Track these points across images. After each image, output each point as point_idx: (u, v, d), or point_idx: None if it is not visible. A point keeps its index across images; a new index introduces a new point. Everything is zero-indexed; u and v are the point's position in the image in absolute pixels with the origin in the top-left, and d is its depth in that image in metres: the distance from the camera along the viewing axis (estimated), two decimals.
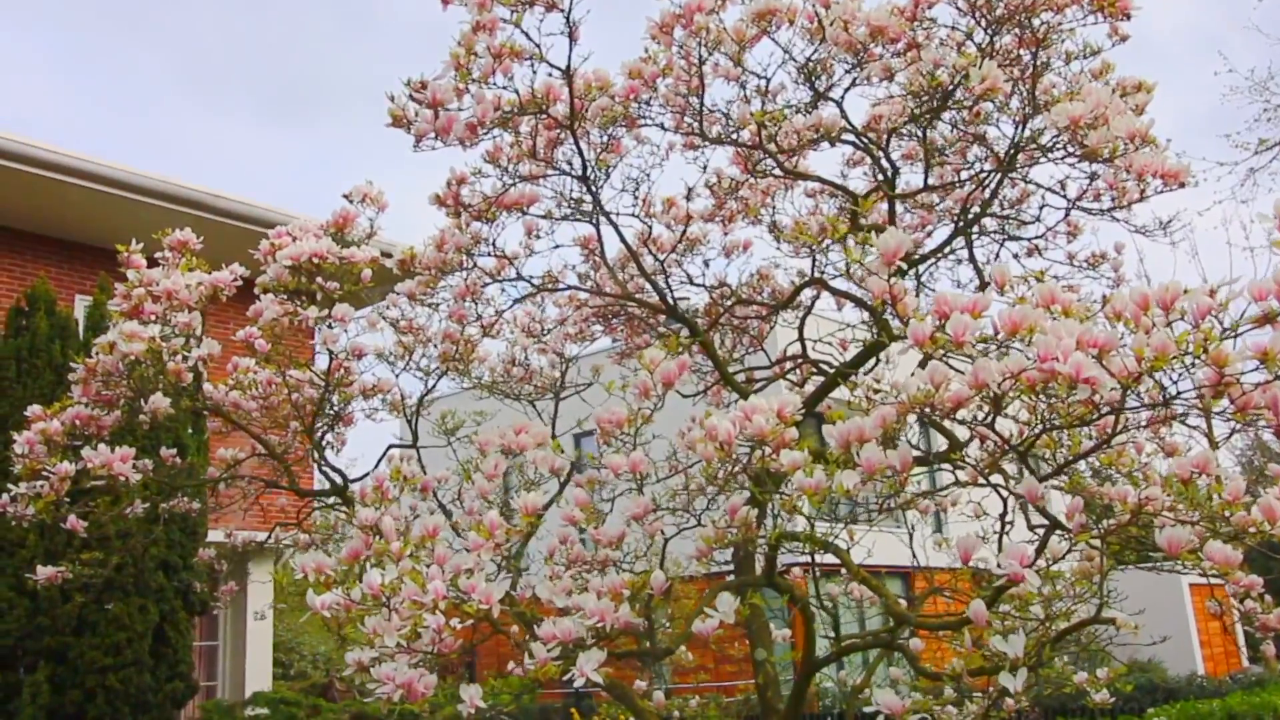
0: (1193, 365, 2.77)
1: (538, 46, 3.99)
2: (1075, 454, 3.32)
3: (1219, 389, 2.78)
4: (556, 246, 4.91)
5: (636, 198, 4.70)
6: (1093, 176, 4.62)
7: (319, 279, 5.36)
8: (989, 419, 3.10)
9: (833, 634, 5.18)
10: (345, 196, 5.35)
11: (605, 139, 4.46)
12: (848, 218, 4.87)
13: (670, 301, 4.81)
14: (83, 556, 5.05)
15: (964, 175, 5.62)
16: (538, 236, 4.76)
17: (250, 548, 6.12)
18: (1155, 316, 2.99)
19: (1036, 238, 6.01)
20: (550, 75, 4.05)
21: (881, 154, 4.90)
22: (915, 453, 3.33)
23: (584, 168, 4.39)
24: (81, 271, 10.18)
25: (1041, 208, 5.31)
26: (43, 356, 7.78)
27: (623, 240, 4.68)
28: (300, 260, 5.07)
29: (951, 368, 3.11)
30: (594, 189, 4.51)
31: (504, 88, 3.89)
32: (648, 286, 5.37)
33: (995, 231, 6.20)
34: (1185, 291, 3.03)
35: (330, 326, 4.91)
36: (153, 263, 5.40)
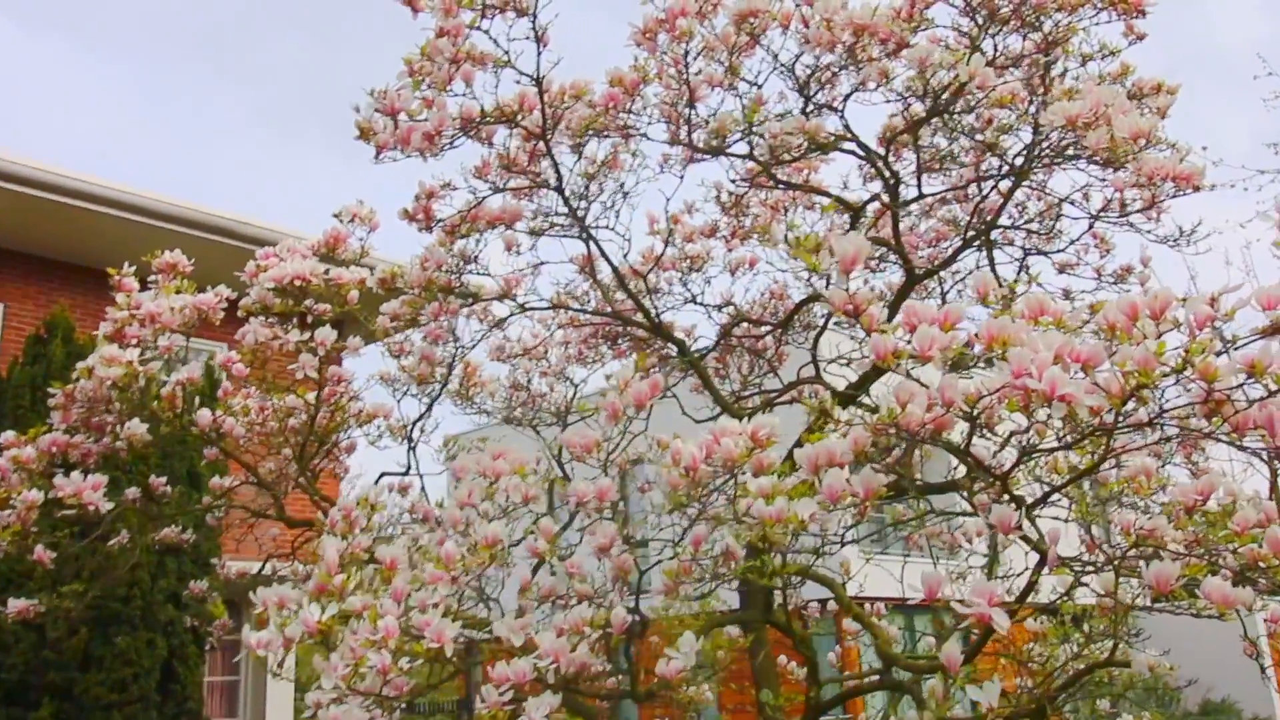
0: (1181, 380, 2.48)
1: (505, 53, 3.81)
2: (1060, 479, 3.03)
3: (1212, 407, 2.49)
4: (540, 264, 4.72)
5: (617, 214, 4.48)
6: (1113, 186, 4.32)
7: (309, 301, 5.24)
8: (966, 442, 2.83)
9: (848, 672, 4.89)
10: (335, 215, 5.21)
11: (581, 150, 4.24)
12: (844, 230, 4.61)
13: (656, 320, 4.58)
14: (61, 590, 4.92)
15: (977, 185, 5.35)
16: (517, 253, 4.57)
17: (246, 579, 5.97)
18: (1146, 327, 2.70)
19: (1057, 251, 5.70)
20: (519, 83, 3.87)
21: (883, 164, 4.64)
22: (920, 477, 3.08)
23: (559, 180, 4.19)
24: (106, 299, 10.18)
25: (1058, 217, 5.01)
26: (57, 384, 7.73)
27: (604, 257, 4.47)
28: (283, 282, 4.93)
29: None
30: (572, 204, 4.31)
31: (463, 95, 3.70)
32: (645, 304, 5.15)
33: (1019, 245, 5.91)
34: (1182, 300, 2.75)
35: (314, 351, 4.74)
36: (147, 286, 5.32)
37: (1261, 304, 2.79)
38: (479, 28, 3.77)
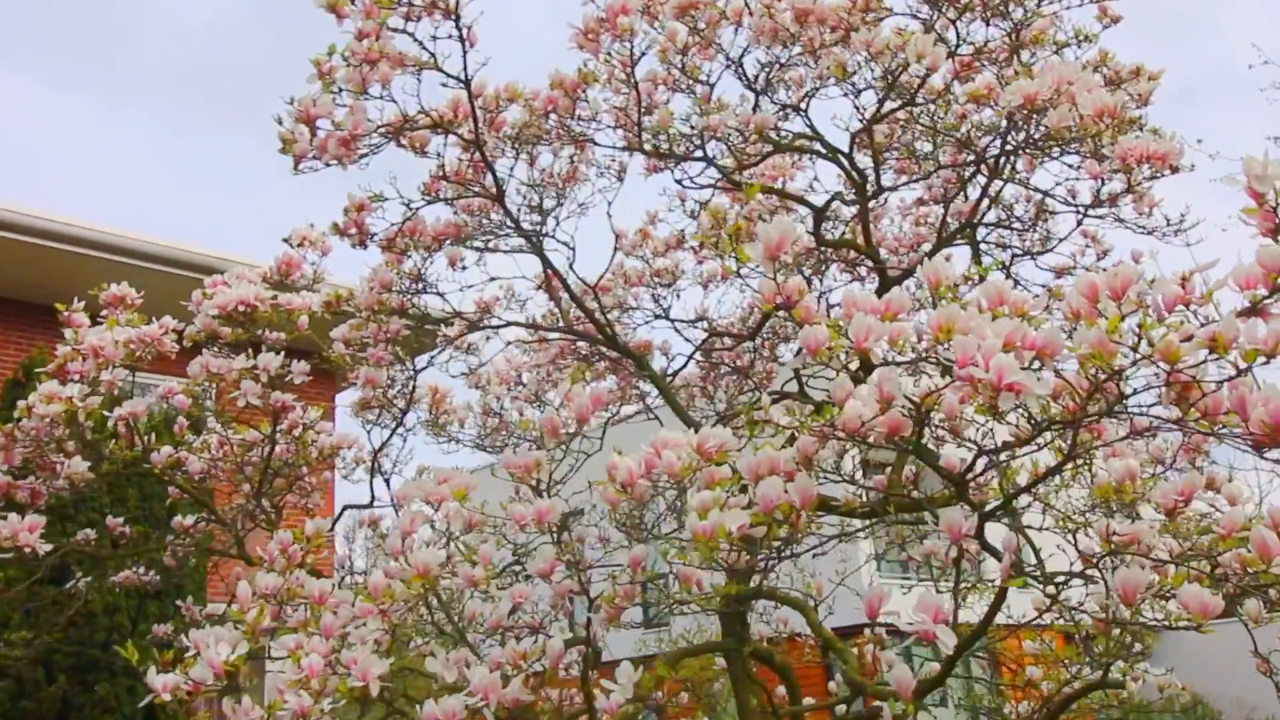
0: (1139, 362, 2.21)
1: (431, 55, 3.60)
2: (1009, 484, 2.76)
3: (1178, 391, 2.23)
4: (491, 279, 4.49)
5: (570, 225, 4.23)
6: (1090, 174, 4.06)
7: (265, 330, 5.04)
8: (912, 441, 2.57)
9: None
10: (285, 240, 5.01)
11: (533, 158, 4.02)
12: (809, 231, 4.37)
13: (610, 334, 4.33)
14: (9, 637, 4.70)
15: (958, 183, 5.10)
16: (463, 268, 4.34)
17: (213, 620, 5.72)
18: (1107, 309, 2.44)
19: (1046, 251, 5.44)
20: (445, 85, 3.66)
21: (849, 162, 4.40)
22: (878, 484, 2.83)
23: (500, 191, 3.97)
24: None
25: (1039, 214, 4.75)
26: None
27: (554, 272, 4.22)
28: (227, 309, 4.73)
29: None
30: (517, 215, 4.08)
31: (382, 98, 3.49)
32: (618, 320, 4.91)
33: (1009, 247, 5.66)
34: (1151, 282, 2.49)
35: (256, 379, 4.52)
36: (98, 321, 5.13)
37: (1239, 283, 2.53)
38: (403, 30, 3.56)
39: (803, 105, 4.41)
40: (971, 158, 4.64)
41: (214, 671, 2.91)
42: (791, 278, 2.65)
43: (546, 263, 4.21)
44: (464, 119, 3.77)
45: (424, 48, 3.59)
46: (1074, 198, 5.15)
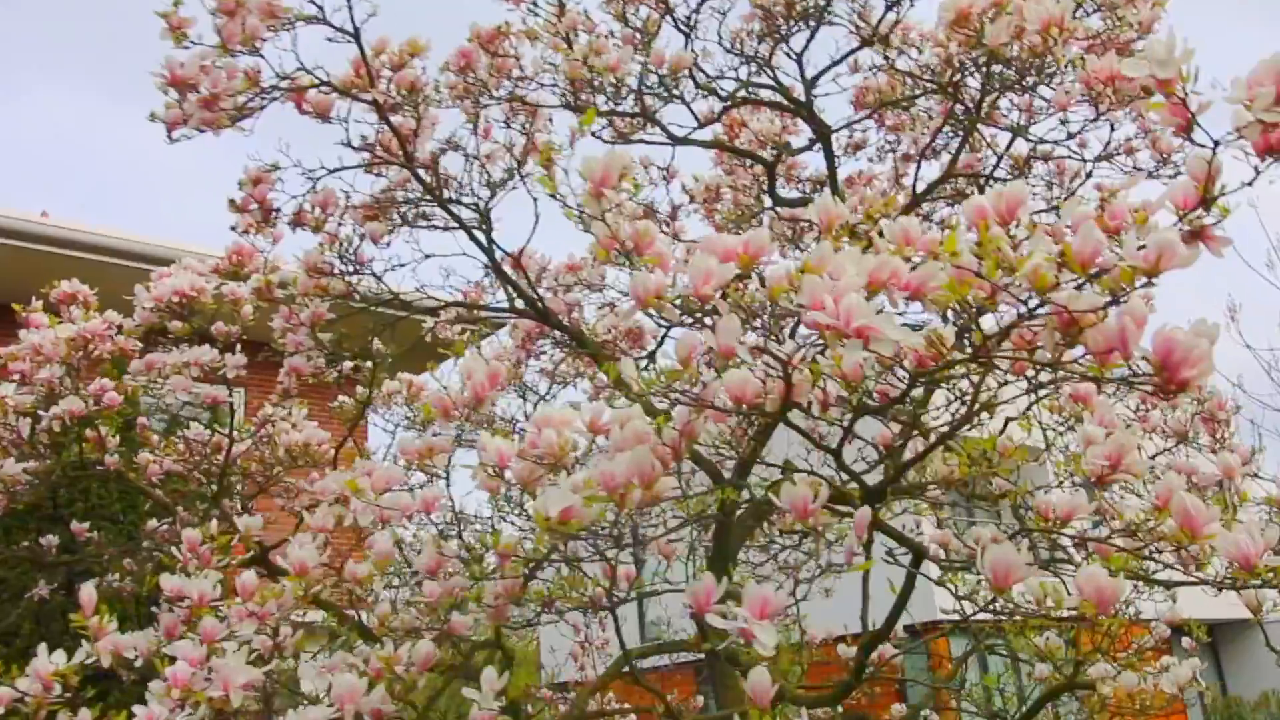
0: (1009, 290, 1.81)
1: (319, 8, 3.31)
2: (896, 455, 2.36)
3: (1054, 327, 1.82)
4: (427, 256, 4.17)
5: (483, 194, 3.89)
6: (1056, 106, 3.60)
7: (219, 323, 4.81)
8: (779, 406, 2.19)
9: None
10: (233, 229, 4.77)
11: (419, 118, 3.66)
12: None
13: (540, 307, 3.99)
14: None
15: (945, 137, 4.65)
16: (386, 245, 4.05)
17: None
18: (995, 239, 2.04)
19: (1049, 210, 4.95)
20: (332, 40, 3.36)
21: (807, 112, 4.01)
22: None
23: (406, 155, 3.65)
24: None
25: (1021, 165, 4.27)
26: None
27: (477, 242, 3.89)
28: (163, 301, 4.51)
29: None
30: (428, 181, 3.76)
31: (250, 53, 3.20)
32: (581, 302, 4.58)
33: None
34: (1055, 206, 2.10)
35: (187, 373, 4.28)
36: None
37: (1175, 204, 2.12)
38: None
39: (762, 55, 4.03)
40: (951, 105, 4.20)
41: (42, 684, 2.65)
42: (640, 221, 2.29)
43: (471, 237, 3.90)
44: (366, 78, 3.48)
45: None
46: (1082, 148, 4.67)
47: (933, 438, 2.80)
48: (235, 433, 5.12)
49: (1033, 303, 1.83)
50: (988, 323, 2.00)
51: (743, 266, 2.19)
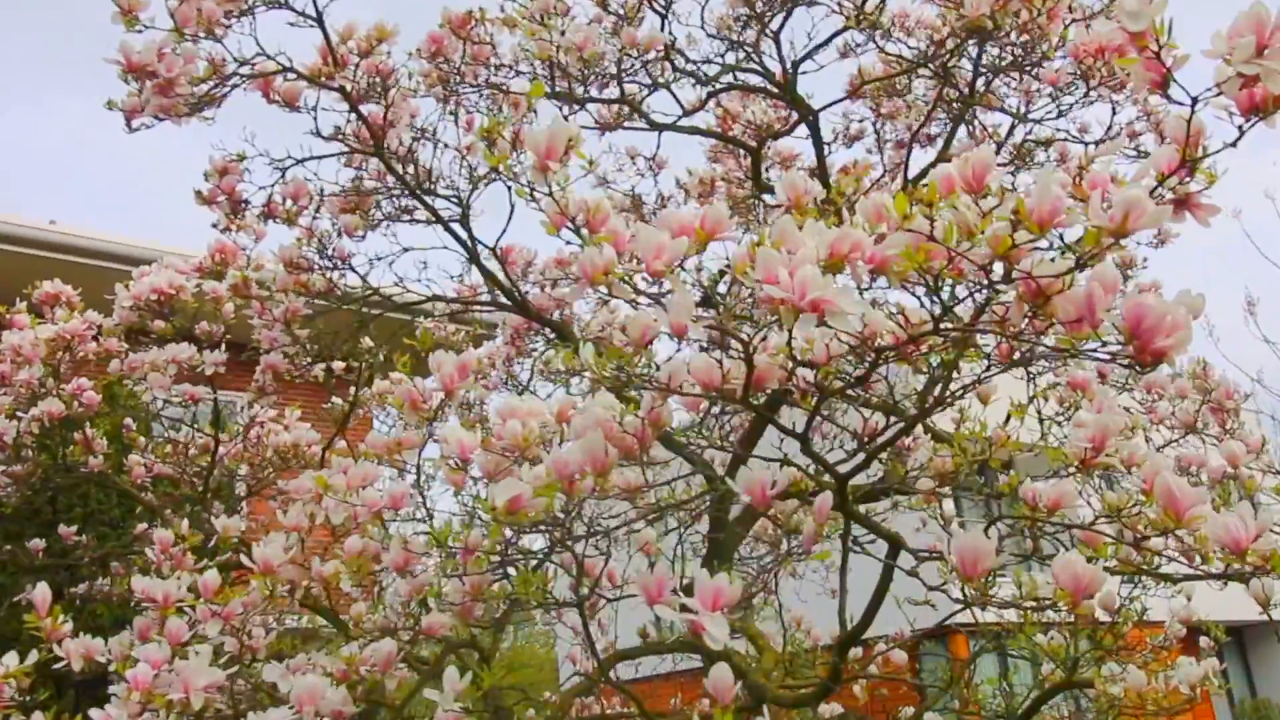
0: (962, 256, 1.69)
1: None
2: (872, 439, 2.25)
3: (1021, 295, 1.70)
4: (406, 250, 4.07)
5: (460, 185, 3.77)
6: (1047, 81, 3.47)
7: (204, 323, 4.73)
8: (742, 391, 2.08)
9: None
10: (214, 226, 4.69)
11: (388, 105, 3.55)
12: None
13: (519, 298, 3.88)
14: None
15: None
16: (361, 238, 3.95)
17: None
18: (964, 207, 1.92)
19: None
20: (294, 25, 3.27)
21: (789, 94, 3.89)
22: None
23: (377, 143, 3.55)
24: None
25: (1021, 155, 4.14)
26: None
27: (451, 233, 3.78)
28: (142, 300, 4.43)
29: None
30: (407, 179, 3.65)
31: (208, 38, 3.10)
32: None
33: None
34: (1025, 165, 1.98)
35: (164, 372, 4.20)
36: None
37: (1157, 169, 2.00)
38: None
39: (748, 41, 3.91)
40: (943, 87, 4.08)
41: None
42: (592, 195, 2.19)
43: (449, 230, 3.79)
44: (333, 65, 3.38)
45: None
46: (1083, 133, 4.54)
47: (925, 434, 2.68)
48: (223, 434, 5.05)
49: (1010, 279, 1.71)
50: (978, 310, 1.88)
51: (700, 242, 2.08)
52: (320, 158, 3.72)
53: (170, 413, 5.28)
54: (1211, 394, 4.05)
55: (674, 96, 4.02)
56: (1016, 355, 2.03)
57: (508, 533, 2.38)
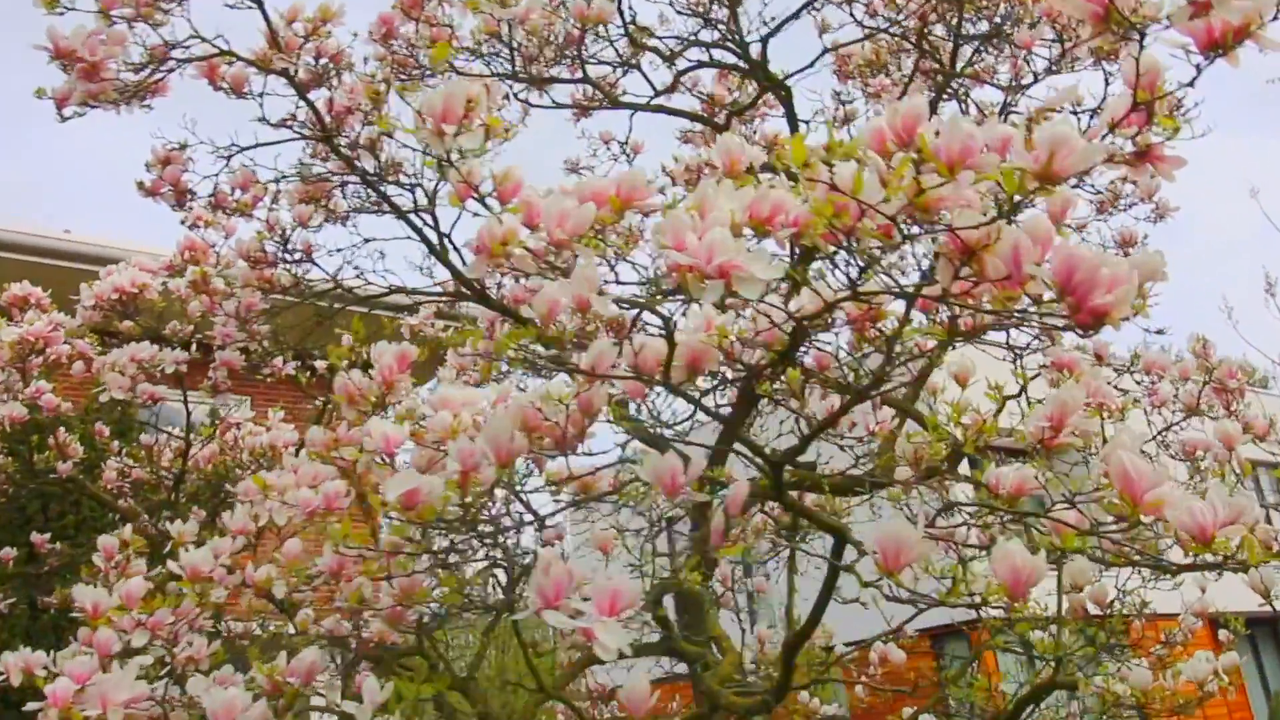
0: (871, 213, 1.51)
1: None
2: (817, 424, 2.06)
3: (952, 254, 1.51)
4: (368, 240, 3.91)
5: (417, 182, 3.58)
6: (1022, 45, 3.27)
7: (174, 324, 4.60)
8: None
9: None
10: (182, 223, 4.56)
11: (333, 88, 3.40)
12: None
13: (478, 288, 3.71)
14: None
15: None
16: (318, 229, 3.79)
17: None
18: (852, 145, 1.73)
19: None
20: (233, 6, 3.12)
21: (760, 69, 3.71)
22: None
23: (323, 128, 3.39)
24: None
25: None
26: None
27: (406, 222, 3.60)
28: (105, 299, 4.31)
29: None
30: (360, 167, 3.49)
31: (138, 18, 2.93)
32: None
33: None
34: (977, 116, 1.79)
35: (121, 372, 4.06)
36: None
37: (1111, 120, 1.83)
38: None
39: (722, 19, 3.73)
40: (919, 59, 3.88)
41: None
42: (505, 165, 2.02)
43: (404, 219, 3.61)
44: (278, 51, 3.23)
45: None
46: (1077, 105, 4.32)
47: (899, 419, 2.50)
48: (194, 435, 4.93)
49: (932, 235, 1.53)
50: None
51: (616, 210, 1.91)
52: (266, 145, 3.57)
53: (161, 416, 5.19)
54: (1213, 373, 3.82)
55: (645, 78, 3.85)
56: (963, 326, 1.83)
57: (415, 532, 2.21)
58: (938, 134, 1.62)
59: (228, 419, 4.86)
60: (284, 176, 3.71)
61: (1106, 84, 4.17)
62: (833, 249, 1.58)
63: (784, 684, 2.18)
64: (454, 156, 1.90)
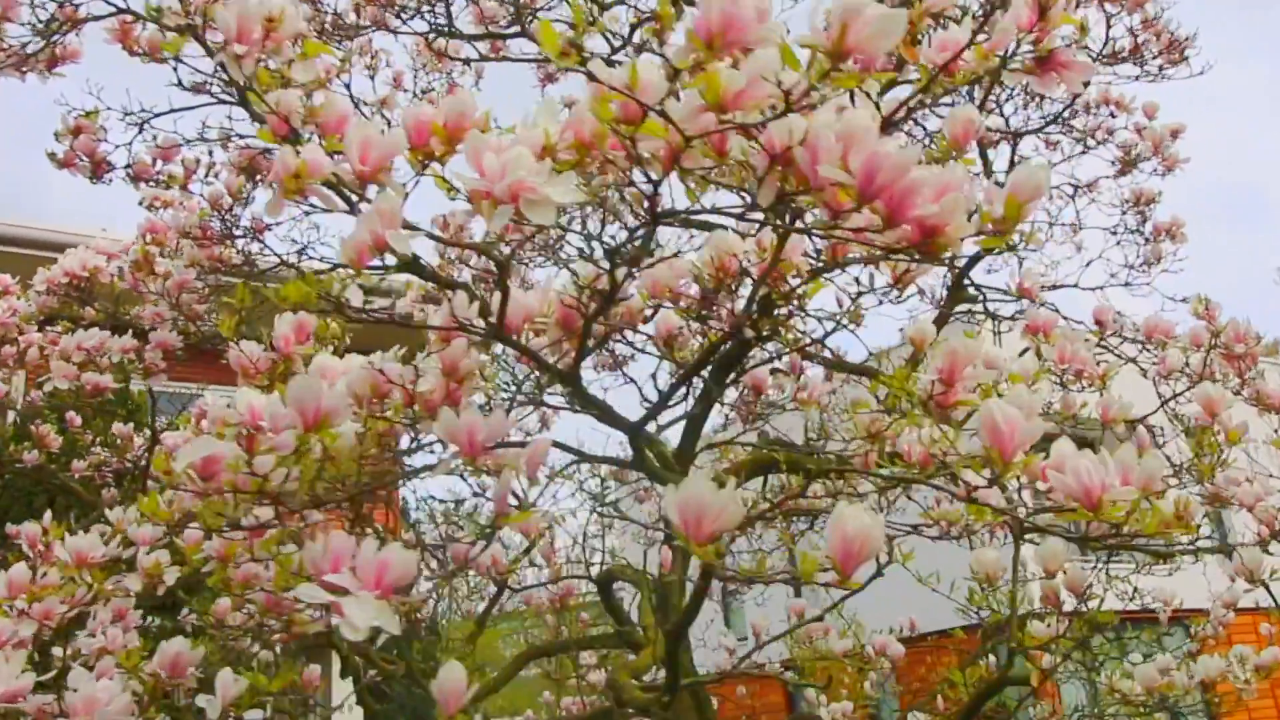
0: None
1: None
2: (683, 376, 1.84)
3: (769, 164, 1.27)
4: (308, 213, 3.74)
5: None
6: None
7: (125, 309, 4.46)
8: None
9: None
10: (140, 204, 4.41)
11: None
12: None
13: (426, 268, 3.50)
14: None
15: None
16: (249, 202, 3.61)
17: None
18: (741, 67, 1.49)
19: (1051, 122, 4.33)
20: None
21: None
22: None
23: (244, 100, 3.21)
24: None
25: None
26: None
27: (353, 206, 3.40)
28: (56, 284, 4.17)
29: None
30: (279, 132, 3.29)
31: None
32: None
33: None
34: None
35: (67, 359, 3.92)
36: None
37: (1020, 27, 1.62)
38: None
39: None
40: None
41: None
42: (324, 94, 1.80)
43: (343, 197, 3.41)
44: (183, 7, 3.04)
45: None
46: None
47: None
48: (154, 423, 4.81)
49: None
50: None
51: (443, 141, 1.68)
52: (180, 110, 3.39)
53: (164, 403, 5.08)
54: (1219, 336, 3.50)
55: (605, 37, 3.62)
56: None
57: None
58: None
59: (200, 405, 4.72)
60: (200, 139, 3.52)
61: (1108, 26, 3.91)
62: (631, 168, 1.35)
63: (672, 679, 1.94)
64: (289, 91, 1.69)
